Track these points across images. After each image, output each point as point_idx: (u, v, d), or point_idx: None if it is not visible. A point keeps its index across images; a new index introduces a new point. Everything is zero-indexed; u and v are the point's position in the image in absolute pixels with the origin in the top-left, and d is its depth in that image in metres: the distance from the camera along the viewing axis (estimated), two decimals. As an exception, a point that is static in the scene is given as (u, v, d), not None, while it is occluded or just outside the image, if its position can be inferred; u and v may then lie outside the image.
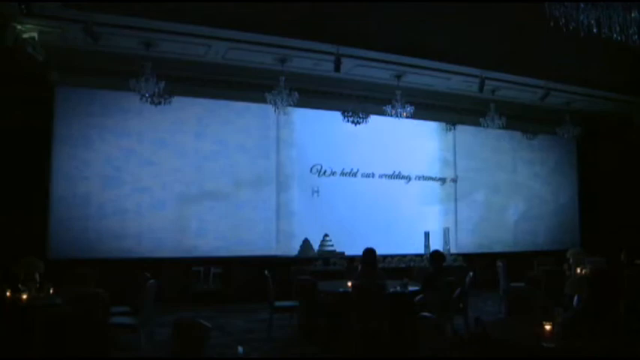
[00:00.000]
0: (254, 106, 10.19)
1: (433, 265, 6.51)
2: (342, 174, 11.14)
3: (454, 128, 12.26)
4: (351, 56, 8.77)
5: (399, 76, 9.89)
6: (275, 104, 8.70)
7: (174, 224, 9.69)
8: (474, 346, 3.95)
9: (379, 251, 6.95)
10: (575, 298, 4.52)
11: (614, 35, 6.10)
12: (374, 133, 11.23)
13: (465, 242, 12.15)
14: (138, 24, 7.58)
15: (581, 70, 9.91)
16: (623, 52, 7.32)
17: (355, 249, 10.24)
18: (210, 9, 7.31)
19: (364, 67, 9.50)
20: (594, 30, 6.04)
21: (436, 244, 10.76)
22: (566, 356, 3.05)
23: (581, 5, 5.81)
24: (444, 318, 5.23)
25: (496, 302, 8.64)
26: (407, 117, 9.75)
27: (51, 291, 5.57)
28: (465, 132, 12.35)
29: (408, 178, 11.74)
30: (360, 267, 6.79)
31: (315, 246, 10.23)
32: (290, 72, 9.10)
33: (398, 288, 6.45)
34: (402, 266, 9.86)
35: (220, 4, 7.31)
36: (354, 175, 11.26)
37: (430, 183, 11.97)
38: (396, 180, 11.61)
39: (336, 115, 10.88)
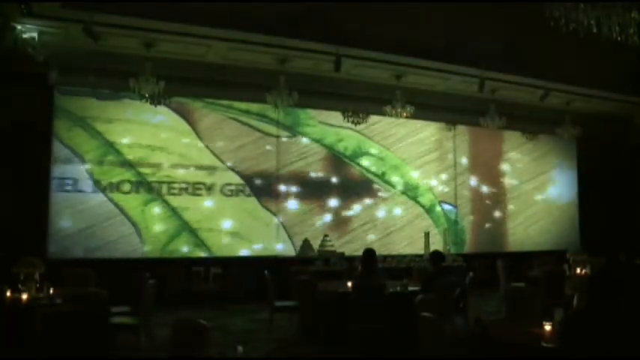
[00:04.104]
0: (255, 107, 10.25)
1: (433, 266, 6.50)
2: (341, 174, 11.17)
3: (454, 128, 12.26)
4: (351, 56, 8.78)
5: (399, 76, 9.89)
6: (275, 104, 8.71)
7: (175, 224, 9.70)
8: (474, 346, 3.94)
9: (379, 252, 6.95)
10: (575, 298, 4.51)
11: (614, 35, 6.11)
12: (370, 133, 11.28)
13: (465, 242, 12.16)
14: (138, 24, 7.58)
15: (581, 70, 9.91)
16: (623, 52, 7.32)
17: (355, 249, 10.33)
18: (210, 9, 7.31)
19: (364, 67, 9.50)
20: (594, 30, 6.04)
21: (436, 244, 10.78)
22: (566, 356, 3.05)
23: (581, 5, 5.82)
24: (444, 318, 5.23)
25: (496, 302, 8.64)
26: (407, 117, 9.77)
27: (51, 291, 5.56)
28: (464, 132, 12.36)
29: (408, 177, 11.75)
30: (360, 267, 6.79)
31: (315, 246, 10.24)
32: (290, 72, 9.10)
33: (398, 288, 6.45)
34: (402, 266, 9.86)
35: (220, 4, 7.32)
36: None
37: (430, 183, 11.96)
38: (395, 180, 11.61)
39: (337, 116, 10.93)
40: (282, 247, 10.38)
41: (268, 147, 10.51)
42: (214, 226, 9.95)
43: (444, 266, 6.76)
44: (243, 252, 10.09)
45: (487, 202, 12.56)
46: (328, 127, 11.03)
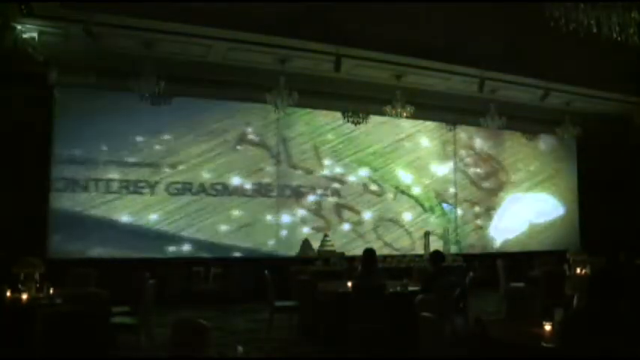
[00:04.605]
0: (257, 107, 10.24)
1: (433, 266, 6.50)
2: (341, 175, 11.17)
3: (454, 128, 12.26)
4: (351, 56, 8.78)
5: (399, 76, 9.89)
6: (275, 104, 8.70)
7: (174, 224, 9.70)
8: (474, 346, 3.94)
9: (379, 252, 6.95)
10: (575, 298, 4.52)
11: (614, 35, 6.11)
12: (372, 133, 11.30)
13: (465, 242, 12.16)
14: (138, 24, 7.58)
15: (581, 70, 9.90)
16: (623, 52, 7.32)
17: (355, 249, 10.32)
18: (210, 9, 7.31)
19: (364, 67, 9.50)
20: (594, 30, 6.04)
21: (436, 244, 10.78)
22: (566, 356, 3.05)
23: (581, 5, 5.82)
24: (444, 318, 5.23)
25: (496, 302, 8.64)
26: (407, 117, 9.77)
27: (51, 291, 5.56)
28: (464, 132, 12.36)
29: (408, 177, 11.74)
30: (360, 267, 6.79)
31: (315, 246, 10.23)
32: (290, 72, 9.10)
33: (398, 288, 6.45)
34: (402, 266, 9.86)
35: (220, 4, 7.32)
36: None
37: (430, 183, 11.95)
38: (395, 180, 11.60)
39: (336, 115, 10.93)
40: (281, 247, 10.38)
41: (268, 147, 10.51)
42: (215, 226, 9.95)
43: (444, 266, 6.76)
44: (243, 252, 10.09)
45: (487, 201, 12.56)
46: (328, 127, 11.03)
